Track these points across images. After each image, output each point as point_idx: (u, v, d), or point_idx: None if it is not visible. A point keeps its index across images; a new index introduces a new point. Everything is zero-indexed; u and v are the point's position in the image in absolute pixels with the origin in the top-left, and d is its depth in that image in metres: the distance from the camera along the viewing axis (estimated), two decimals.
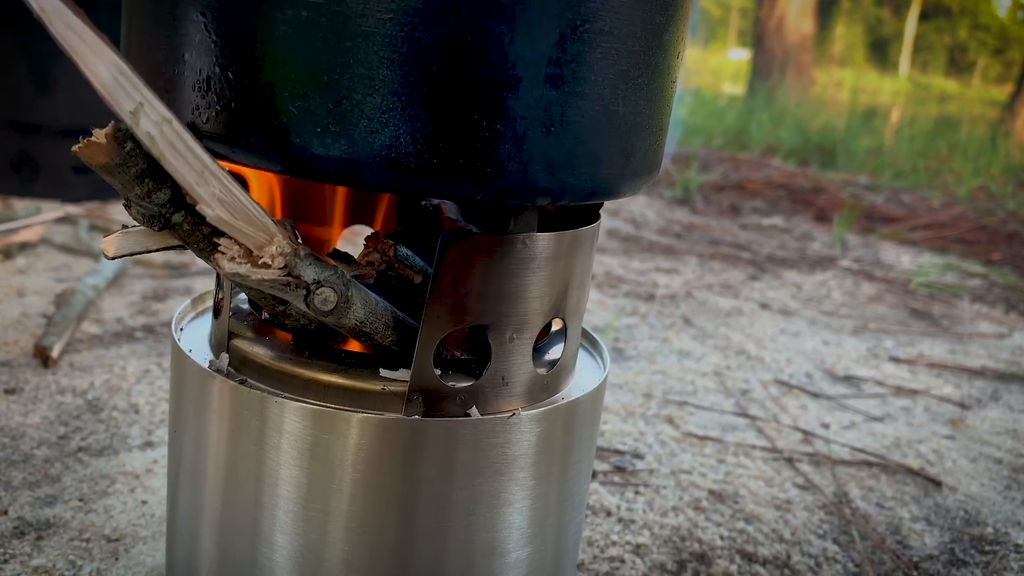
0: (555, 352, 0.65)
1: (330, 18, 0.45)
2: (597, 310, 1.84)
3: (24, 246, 1.79)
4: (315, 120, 0.47)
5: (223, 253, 0.46)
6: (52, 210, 2.08)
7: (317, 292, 0.49)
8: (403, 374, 0.57)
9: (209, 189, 0.44)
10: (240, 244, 0.46)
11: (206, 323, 0.70)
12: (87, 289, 1.48)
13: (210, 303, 0.73)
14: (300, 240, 0.48)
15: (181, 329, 0.68)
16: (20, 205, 2.12)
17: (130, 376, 1.26)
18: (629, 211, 2.98)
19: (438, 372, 0.57)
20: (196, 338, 0.66)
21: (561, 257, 0.59)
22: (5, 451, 1.03)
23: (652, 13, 0.52)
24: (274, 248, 0.46)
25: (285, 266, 0.47)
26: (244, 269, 0.45)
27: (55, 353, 1.26)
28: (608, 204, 3.07)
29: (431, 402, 0.56)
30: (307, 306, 0.49)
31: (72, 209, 2.11)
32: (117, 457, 1.04)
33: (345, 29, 0.45)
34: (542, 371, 0.61)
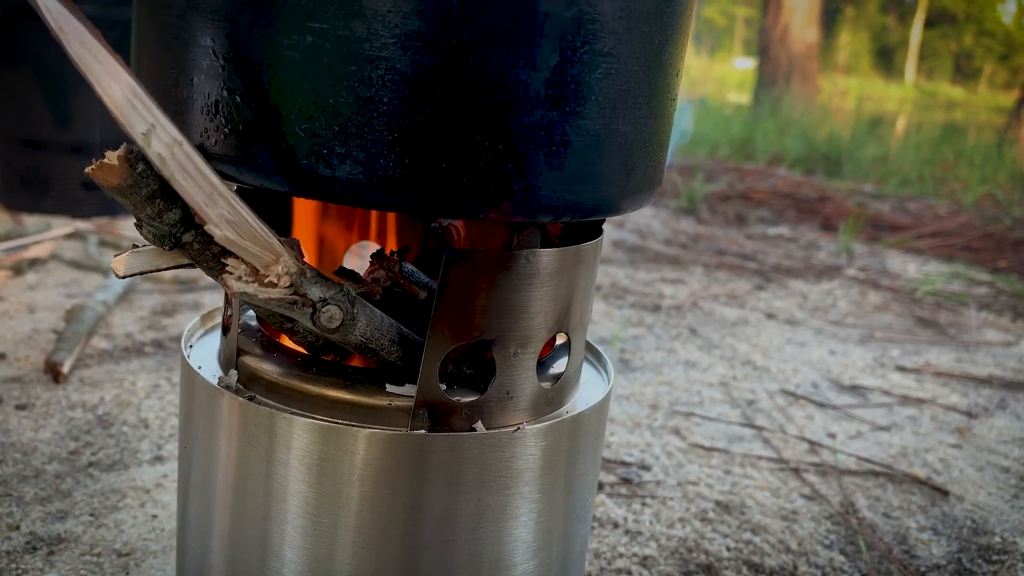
0: (560, 366, 0.66)
1: (335, 43, 0.46)
2: (603, 321, 1.85)
3: (34, 262, 1.81)
4: (321, 142, 0.48)
5: (231, 273, 0.47)
6: (62, 226, 2.09)
7: (323, 310, 0.50)
8: (409, 389, 0.58)
9: (217, 210, 0.45)
10: (247, 263, 0.47)
11: (215, 340, 0.70)
12: (97, 304, 1.50)
13: (219, 319, 0.74)
14: (306, 259, 0.49)
15: (191, 346, 0.69)
16: (30, 221, 2.14)
17: (140, 391, 1.27)
18: (635, 222, 2.99)
19: (443, 387, 0.57)
20: (205, 354, 0.67)
21: (564, 272, 0.60)
22: (17, 466, 1.04)
23: (651, 33, 0.53)
24: (280, 268, 0.47)
25: (291, 285, 0.48)
26: (251, 288, 0.46)
27: (66, 368, 1.27)
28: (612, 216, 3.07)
29: (437, 417, 0.57)
30: (313, 324, 0.50)
31: (82, 225, 2.13)
32: (127, 472, 1.05)
33: (350, 53, 0.46)
34: (547, 385, 0.62)
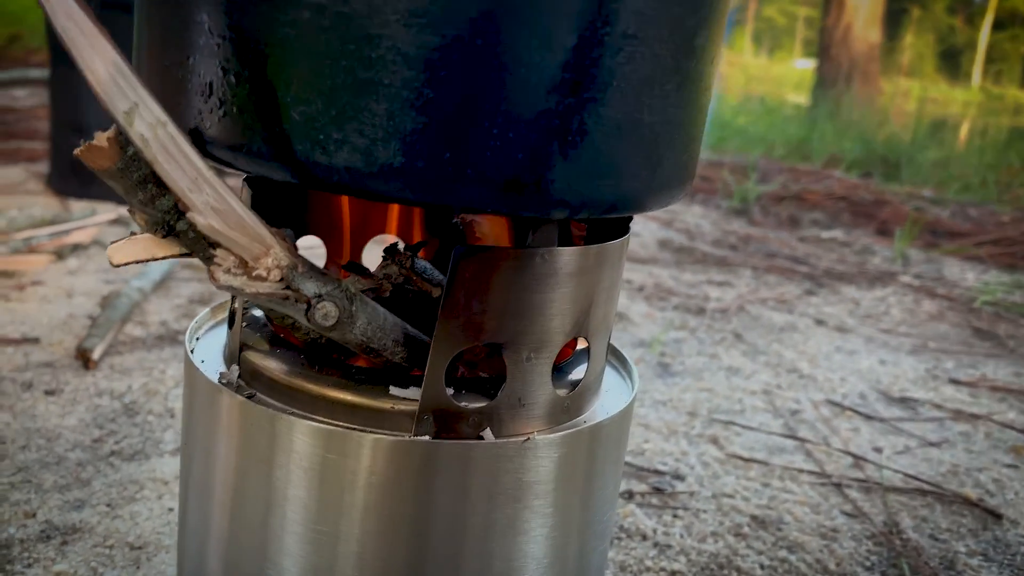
0: (579, 372, 0.62)
1: (333, 19, 0.43)
2: (644, 323, 1.80)
3: (76, 247, 1.81)
4: (318, 127, 0.44)
5: (219, 264, 0.44)
6: (106, 212, 2.10)
7: (318, 307, 0.46)
8: (414, 392, 0.55)
9: (202, 196, 0.42)
10: (236, 255, 0.44)
11: (224, 333, 0.68)
12: (132, 292, 1.49)
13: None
14: (299, 252, 0.46)
15: (197, 339, 0.66)
16: (77, 207, 2.16)
17: (168, 380, 1.26)
18: (683, 221, 2.93)
19: (451, 391, 0.54)
20: (212, 348, 0.64)
21: (585, 273, 0.56)
22: (40, 452, 1.03)
23: (683, 16, 0.49)
24: (270, 260, 0.44)
25: (282, 279, 0.44)
26: (238, 281, 0.43)
27: (96, 355, 1.27)
28: (661, 214, 3.02)
29: (443, 423, 0.54)
30: (308, 321, 0.47)
31: (126, 211, 2.14)
32: (148, 462, 1.03)
33: (348, 31, 0.43)
34: (563, 392, 0.58)
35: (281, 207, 0.66)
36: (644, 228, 2.75)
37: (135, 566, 0.84)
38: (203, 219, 0.42)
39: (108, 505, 0.94)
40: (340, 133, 0.44)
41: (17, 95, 3.55)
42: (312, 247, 0.72)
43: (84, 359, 1.26)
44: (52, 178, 2.31)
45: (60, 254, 1.75)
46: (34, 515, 0.91)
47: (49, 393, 1.18)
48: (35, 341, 1.34)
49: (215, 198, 0.42)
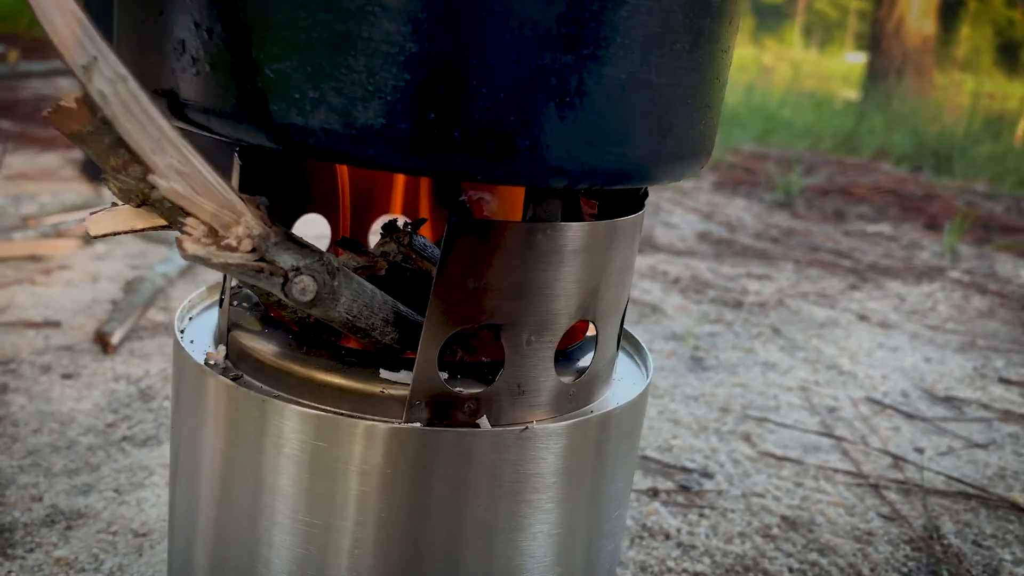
0: (587, 359, 0.58)
1: None
2: (679, 316, 1.75)
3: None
4: (292, 85, 0.41)
5: (189, 233, 0.41)
6: None
7: (295, 280, 0.43)
8: (405, 376, 0.51)
9: (166, 159, 0.39)
10: (207, 224, 0.41)
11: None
12: (156, 277, 1.48)
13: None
14: (273, 221, 0.43)
15: (190, 319, 0.63)
16: (108, 193, 2.16)
17: None
18: (724, 214, 2.86)
19: (445, 376, 0.50)
20: (203, 330, 0.62)
21: (592, 251, 0.52)
22: (51, 436, 1.02)
23: None
24: (241, 229, 0.40)
25: (254, 249, 0.41)
26: (206, 251, 0.40)
27: (115, 340, 1.25)
28: (701, 206, 2.95)
29: (436, 409, 0.50)
30: (285, 296, 0.44)
31: None
32: (159, 448, 1.01)
33: None
34: (567, 379, 0.54)
35: (281, 186, 0.62)
36: (683, 220, 2.70)
37: (137, 553, 0.82)
38: (166, 183, 0.39)
39: (115, 491, 0.92)
40: (316, 92, 0.41)
41: (60, 85, 3.59)
42: (326, 237, 0.69)
43: (103, 343, 1.25)
44: (86, 164, 2.32)
45: (88, 239, 1.75)
46: (40, 499, 0.89)
47: (66, 377, 1.17)
48: (56, 325, 1.33)
49: (179, 160, 0.39)
